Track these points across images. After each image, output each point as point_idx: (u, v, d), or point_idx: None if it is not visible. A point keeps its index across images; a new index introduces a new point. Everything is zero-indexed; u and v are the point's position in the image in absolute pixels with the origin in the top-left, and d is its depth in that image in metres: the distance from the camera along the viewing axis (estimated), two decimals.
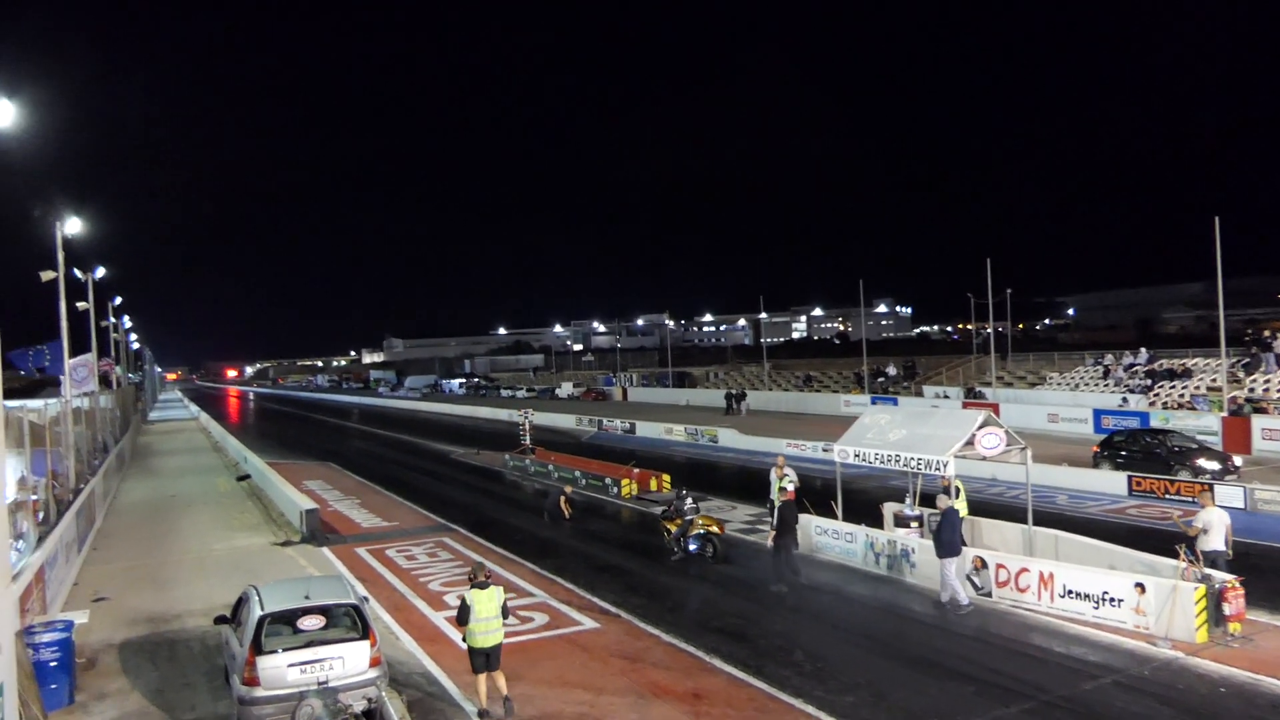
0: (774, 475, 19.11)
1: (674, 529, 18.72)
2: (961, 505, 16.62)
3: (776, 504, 17.16)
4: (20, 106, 14.31)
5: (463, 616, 10.70)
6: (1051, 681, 11.36)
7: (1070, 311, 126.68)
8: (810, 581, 16.53)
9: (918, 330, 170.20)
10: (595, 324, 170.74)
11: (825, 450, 29.33)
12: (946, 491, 15.36)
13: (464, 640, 10.85)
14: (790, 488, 18.29)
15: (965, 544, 15.10)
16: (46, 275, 23.61)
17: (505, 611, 10.79)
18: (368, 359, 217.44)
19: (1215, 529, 13.81)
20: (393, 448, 47.22)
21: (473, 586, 10.83)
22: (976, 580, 14.73)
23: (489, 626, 10.61)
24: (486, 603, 10.66)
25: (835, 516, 18.11)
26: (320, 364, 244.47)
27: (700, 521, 18.44)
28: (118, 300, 50.87)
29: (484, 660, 10.61)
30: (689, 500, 19.22)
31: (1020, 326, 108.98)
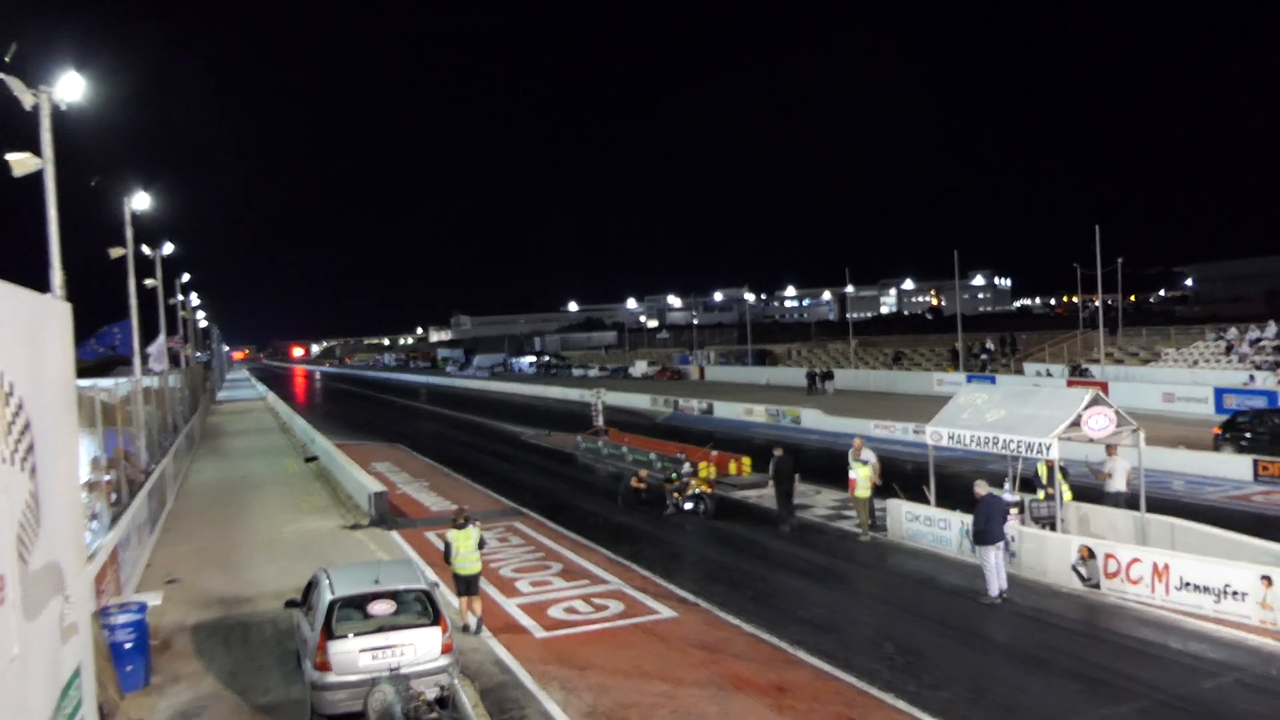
0: (851, 457, 19.15)
1: (670, 487, 21.96)
2: (1066, 490, 16.40)
3: (859, 493, 18.75)
4: (89, 81, 14.83)
5: (447, 554, 13.50)
6: (1166, 680, 11.06)
7: (1188, 282, 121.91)
8: (902, 570, 16.40)
9: (1018, 304, 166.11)
10: (670, 299, 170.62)
11: (916, 432, 28.85)
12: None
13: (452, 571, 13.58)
14: (852, 474, 18.57)
15: (1066, 531, 14.91)
16: (116, 252, 24.50)
17: (481, 544, 13.60)
18: (435, 337, 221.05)
19: (1118, 474, 17.12)
20: (461, 429, 47.99)
21: (454, 527, 13.56)
22: (1083, 571, 14.42)
23: (467, 559, 13.37)
24: (465, 540, 13.40)
25: (928, 502, 17.88)
26: (387, 342, 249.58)
27: (694, 483, 21.71)
28: (185, 277, 52.56)
29: (465, 586, 13.45)
30: (686, 465, 22.64)
31: (1132, 299, 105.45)
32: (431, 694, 10.20)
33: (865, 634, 13.09)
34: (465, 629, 13.34)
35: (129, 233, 25.10)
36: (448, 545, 13.53)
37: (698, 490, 21.63)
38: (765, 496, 23.19)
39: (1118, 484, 17.31)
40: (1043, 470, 16.86)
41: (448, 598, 13.88)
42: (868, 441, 21.85)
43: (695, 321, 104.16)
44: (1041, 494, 16.63)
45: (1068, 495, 16.52)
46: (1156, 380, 40.66)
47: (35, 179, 14.09)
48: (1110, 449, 17.45)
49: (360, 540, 20.03)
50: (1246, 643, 12.10)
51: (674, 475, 22.57)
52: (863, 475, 18.56)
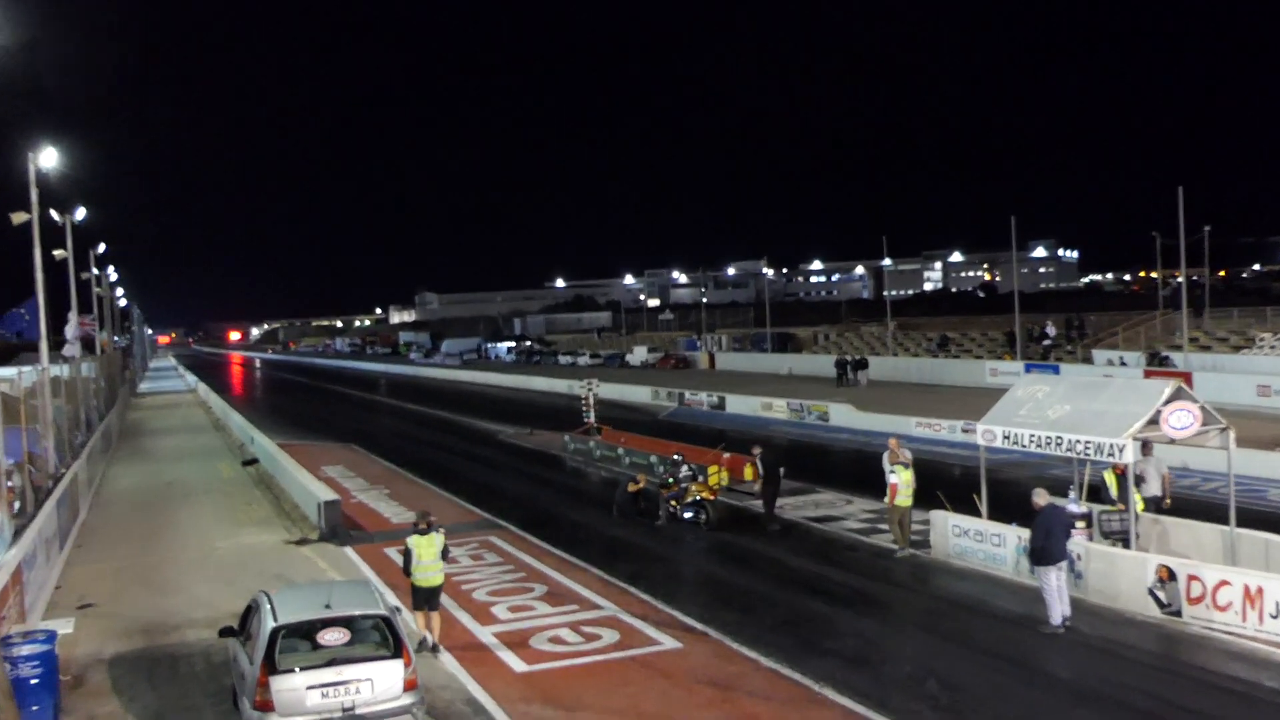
0: (886, 460, 19.12)
1: (665, 494, 22.33)
2: (1138, 500, 16.43)
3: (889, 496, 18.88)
4: None
5: (407, 563, 13.90)
6: None
7: None
8: (947, 594, 16.44)
9: (1086, 279, 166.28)
10: (675, 274, 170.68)
11: (966, 431, 28.84)
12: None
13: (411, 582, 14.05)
14: (893, 479, 18.49)
15: (1144, 549, 14.96)
16: (18, 218, 24.44)
17: (445, 554, 14.08)
18: (397, 318, 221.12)
19: (1151, 477, 17.65)
20: (427, 426, 48.08)
21: (415, 533, 14.04)
22: (1161, 595, 14.45)
23: (429, 569, 13.85)
24: (427, 548, 13.85)
25: (979, 514, 17.90)
26: (340, 324, 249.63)
27: (694, 489, 22.08)
28: (101, 248, 52.54)
29: (425, 599, 13.99)
30: (684, 468, 23.08)
31: (1221, 274, 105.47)
32: None
33: (904, 668, 13.12)
34: (422, 644, 13.69)
35: (34, 194, 25.05)
36: (408, 553, 13.93)
37: (698, 496, 21.93)
38: (787, 506, 23.23)
39: (1152, 487, 17.62)
40: (1110, 479, 16.78)
41: (411, 625, 13.93)
42: (907, 443, 21.86)
43: (704, 300, 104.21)
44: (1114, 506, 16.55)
45: (1139, 505, 16.51)
46: (1250, 370, 40.64)
47: None
48: (1145, 447, 17.66)
49: (308, 557, 20.05)
50: None
51: (670, 480, 22.84)
52: (905, 479, 18.53)
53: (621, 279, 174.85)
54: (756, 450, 21.98)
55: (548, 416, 45.96)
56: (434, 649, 13.89)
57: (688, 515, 21.91)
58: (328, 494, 23.18)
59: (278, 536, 22.15)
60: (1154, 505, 17.44)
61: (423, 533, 14.01)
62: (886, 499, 18.94)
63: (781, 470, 21.90)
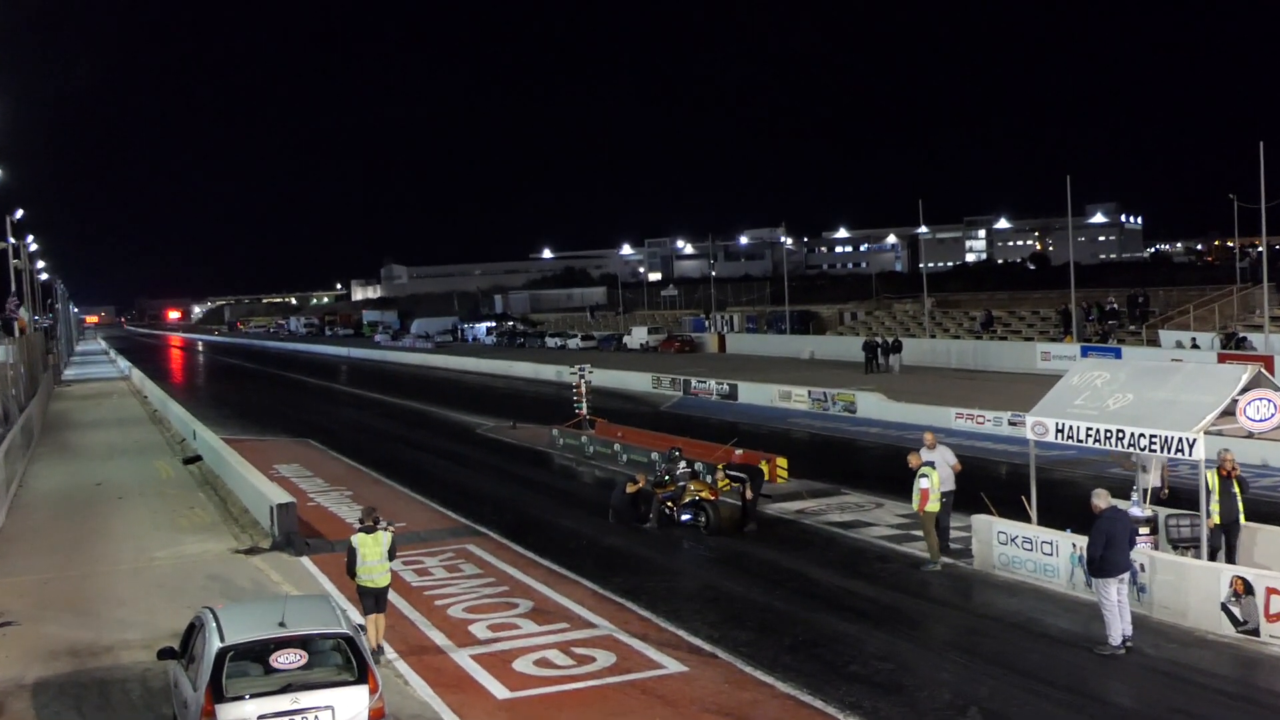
0: (914, 459, 19.13)
1: (660, 493, 22.64)
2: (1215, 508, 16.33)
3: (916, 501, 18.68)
4: None
5: (350, 564, 14.61)
6: None
7: None
8: (991, 610, 16.47)
9: (1152, 249, 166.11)
10: (680, 243, 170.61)
11: (1013, 423, 28.93)
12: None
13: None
14: (925, 484, 18.36)
15: (1234, 560, 14.98)
16: None
17: (392, 554, 14.81)
18: (360, 294, 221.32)
19: (1153, 466, 17.81)
20: (395, 419, 48.16)
21: (360, 530, 14.74)
22: (1237, 611, 14.48)
23: (375, 570, 14.56)
24: (373, 546, 14.56)
25: (1028, 519, 17.93)
26: (295, 302, 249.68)
27: (693, 487, 22.31)
28: (19, 215, 52.52)
29: (373, 601, 14.61)
30: (682, 464, 23.26)
31: None
32: None
33: (941, 695, 13.14)
34: (379, 652, 14.27)
35: None
36: (352, 552, 14.64)
37: (697, 496, 22.06)
38: (808, 510, 23.29)
39: (1153, 480, 17.76)
40: (1213, 480, 16.37)
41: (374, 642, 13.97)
42: (946, 438, 21.85)
43: (713, 274, 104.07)
44: (1216, 507, 16.16)
45: (1216, 517, 16.32)
46: None
47: None
48: None
49: (259, 568, 20.11)
50: None
51: (665, 477, 23.01)
52: (936, 483, 18.48)
53: (618, 249, 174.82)
54: (725, 463, 23.33)
55: (533, 408, 45.99)
56: (378, 650, 14.27)
57: (685, 518, 22.06)
58: (281, 496, 23.19)
59: (224, 545, 22.19)
60: (1152, 498, 17.63)
61: (369, 530, 14.65)
62: (915, 505, 18.84)
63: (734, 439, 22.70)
